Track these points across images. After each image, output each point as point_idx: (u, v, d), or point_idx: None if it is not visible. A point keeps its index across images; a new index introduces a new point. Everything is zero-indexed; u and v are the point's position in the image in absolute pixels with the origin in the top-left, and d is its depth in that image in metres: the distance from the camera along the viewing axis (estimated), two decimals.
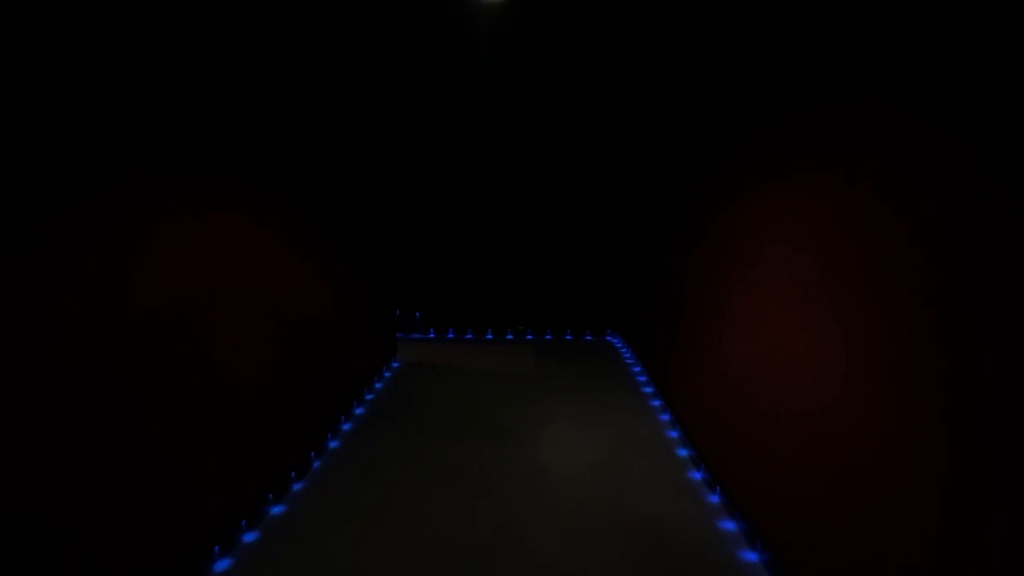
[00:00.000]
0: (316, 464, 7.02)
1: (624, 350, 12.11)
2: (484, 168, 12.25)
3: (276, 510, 5.92)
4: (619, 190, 12.08)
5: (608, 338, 13.35)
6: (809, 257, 4.34)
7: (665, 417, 8.43)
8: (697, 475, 6.74)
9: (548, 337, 13.39)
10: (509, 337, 13.41)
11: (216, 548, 4.23)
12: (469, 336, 13.45)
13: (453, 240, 13.01)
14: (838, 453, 3.39)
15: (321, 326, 7.13)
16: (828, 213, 3.99)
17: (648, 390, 9.58)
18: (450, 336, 13.45)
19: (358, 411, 8.62)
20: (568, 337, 13.39)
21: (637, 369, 10.67)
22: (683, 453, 7.32)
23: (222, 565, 4.24)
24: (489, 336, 13.46)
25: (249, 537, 4.85)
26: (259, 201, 5.12)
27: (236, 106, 5.12)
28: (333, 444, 7.58)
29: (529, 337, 13.39)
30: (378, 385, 9.69)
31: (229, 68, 4.21)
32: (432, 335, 13.49)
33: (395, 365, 10.73)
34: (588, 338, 13.36)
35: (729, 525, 5.61)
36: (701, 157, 7.52)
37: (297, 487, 6.43)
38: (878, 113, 3.27)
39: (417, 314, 13.74)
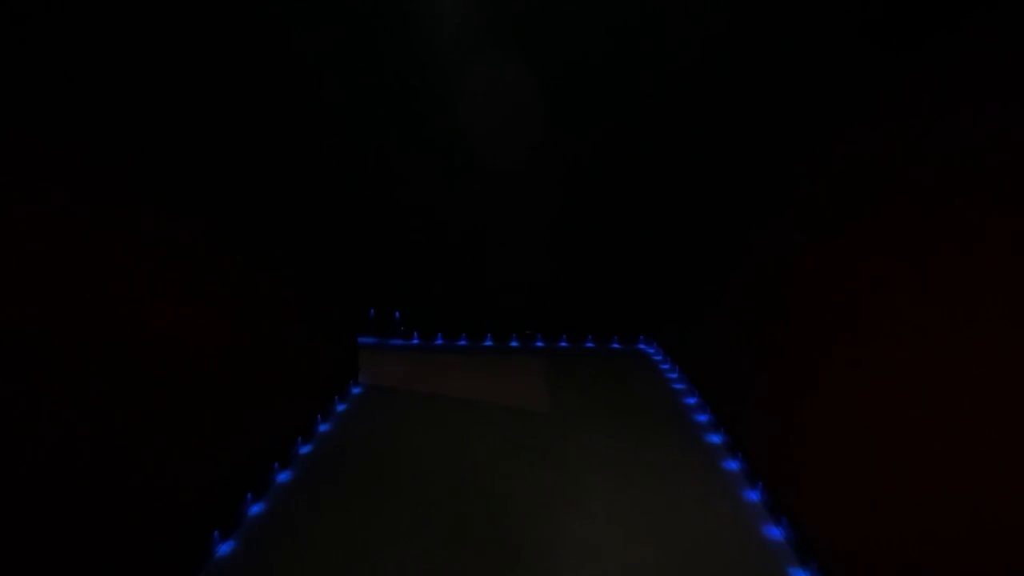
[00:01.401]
0: None
1: (667, 366, 9.08)
2: (480, 129, 9.12)
3: None
4: (656, 153, 8.92)
5: (641, 347, 10.33)
6: None
7: (753, 496, 5.44)
8: None
9: (564, 344, 10.40)
10: (514, 344, 10.43)
11: None
12: (463, 343, 10.49)
13: (442, 220, 9.96)
14: None
15: (183, 345, 4.14)
16: None
17: (715, 439, 6.58)
18: (439, 343, 10.50)
19: (282, 477, 5.70)
20: (589, 345, 10.39)
21: (692, 401, 7.65)
22: None
23: None
24: (488, 343, 10.48)
25: None
26: None
27: None
28: (225, 547, 4.67)
29: (539, 344, 10.41)
30: (324, 427, 6.75)
31: None
32: (416, 341, 10.55)
33: (356, 391, 7.78)
34: (616, 347, 10.35)
35: None
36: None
37: None
38: None
39: (397, 314, 10.77)
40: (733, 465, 6.00)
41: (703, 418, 7.10)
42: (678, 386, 8.18)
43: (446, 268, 10.28)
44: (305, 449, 6.26)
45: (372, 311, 10.91)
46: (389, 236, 10.09)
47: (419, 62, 8.27)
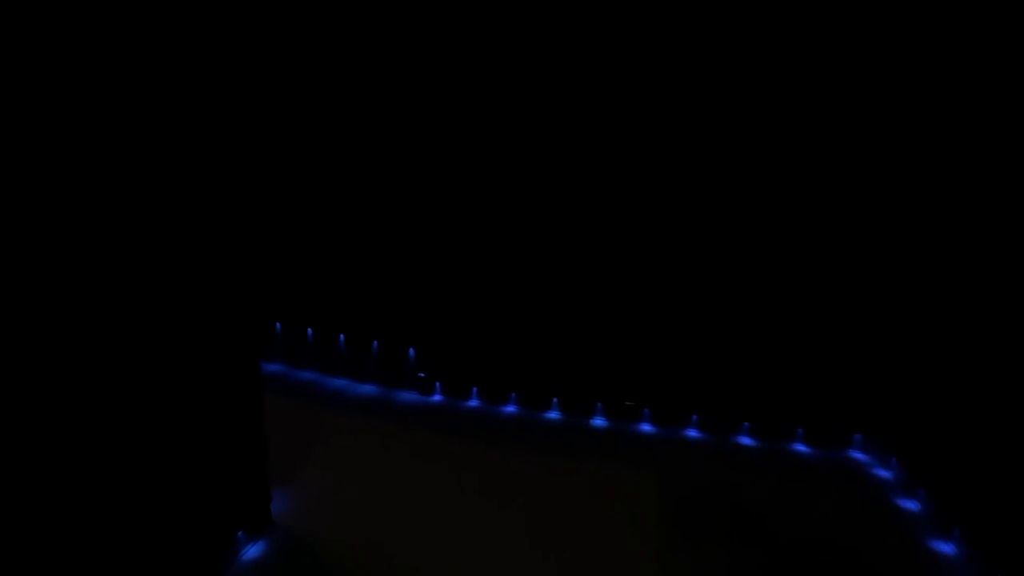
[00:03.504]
0: None
1: (939, 542, 3.88)
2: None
3: None
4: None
5: (858, 456, 5.12)
6: None
7: None
8: None
9: (693, 434, 5.58)
10: (598, 423, 5.87)
11: None
12: (511, 408, 6.18)
13: (490, 216, 5.69)
14: None
15: None
16: None
17: None
18: (472, 403, 6.31)
19: None
20: (746, 441, 5.44)
21: None
22: None
23: None
24: (554, 414, 6.03)
25: None
26: None
27: None
28: None
29: (645, 428, 5.71)
30: None
31: None
32: (438, 397, 6.49)
33: (249, 554, 3.84)
34: (802, 450, 5.27)
35: None
36: None
37: None
38: None
39: (411, 351, 6.72)
40: None
41: None
42: None
43: (494, 289, 5.96)
44: None
45: (376, 344, 6.98)
46: (403, 236, 6.04)
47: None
